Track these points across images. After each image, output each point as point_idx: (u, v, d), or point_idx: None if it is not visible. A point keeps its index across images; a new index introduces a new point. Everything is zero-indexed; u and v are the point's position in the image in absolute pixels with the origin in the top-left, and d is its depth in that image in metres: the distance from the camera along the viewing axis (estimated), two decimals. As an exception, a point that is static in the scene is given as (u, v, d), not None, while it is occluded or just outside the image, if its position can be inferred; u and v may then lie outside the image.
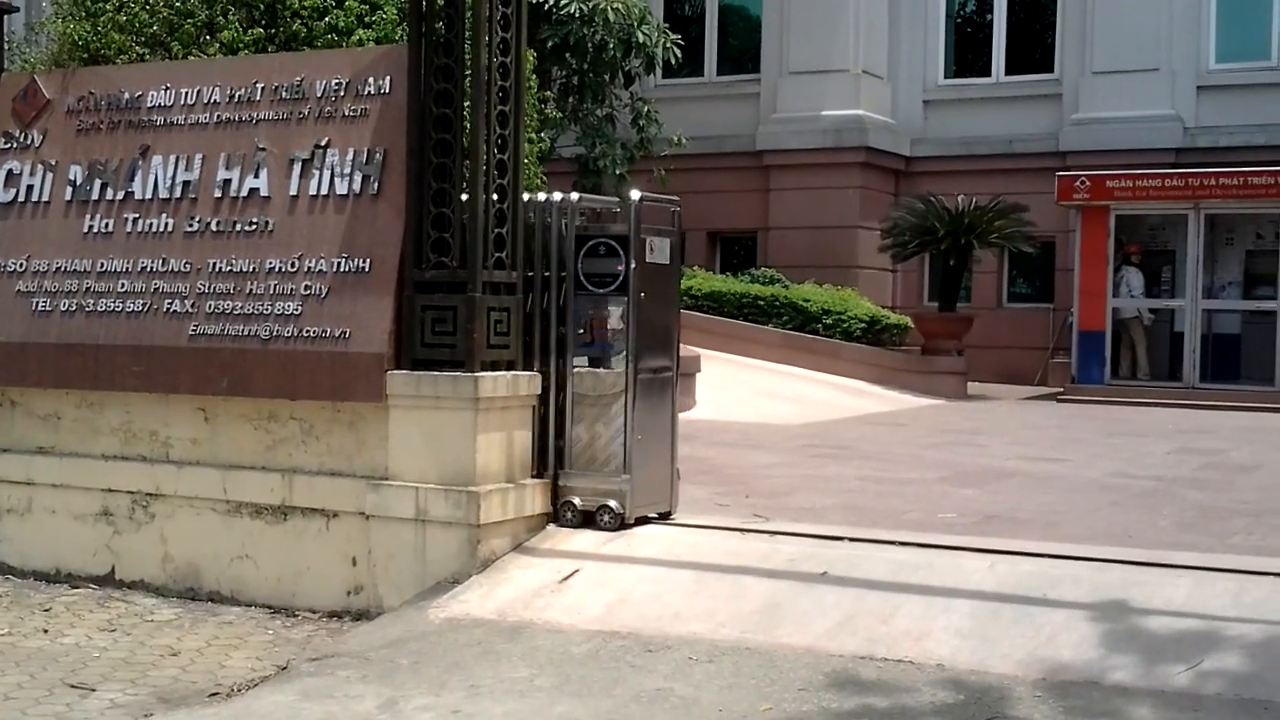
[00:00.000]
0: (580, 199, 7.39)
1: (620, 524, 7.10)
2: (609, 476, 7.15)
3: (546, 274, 7.28)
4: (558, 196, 7.37)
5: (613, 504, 7.12)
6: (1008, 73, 22.32)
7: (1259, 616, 5.74)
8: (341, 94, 7.34)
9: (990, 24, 22.52)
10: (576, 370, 7.20)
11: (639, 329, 7.12)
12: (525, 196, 7.31)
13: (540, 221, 7.29)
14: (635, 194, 7.21)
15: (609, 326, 7.12)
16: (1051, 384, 19.95)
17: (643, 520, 7.23)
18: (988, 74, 22.51)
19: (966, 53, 23.03)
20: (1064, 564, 6.50)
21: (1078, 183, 18.58)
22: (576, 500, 7.19)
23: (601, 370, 7.15)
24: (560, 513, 7.21)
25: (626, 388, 7.11)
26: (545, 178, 13.89)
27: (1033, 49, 22.37)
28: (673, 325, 7.50)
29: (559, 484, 7.26)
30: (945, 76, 22.76)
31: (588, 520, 7.16)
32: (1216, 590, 6.06)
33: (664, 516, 7.40)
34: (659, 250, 7.28)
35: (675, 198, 7.69)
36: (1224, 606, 5.86)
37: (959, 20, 23.20)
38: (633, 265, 7.07)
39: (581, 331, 7.17)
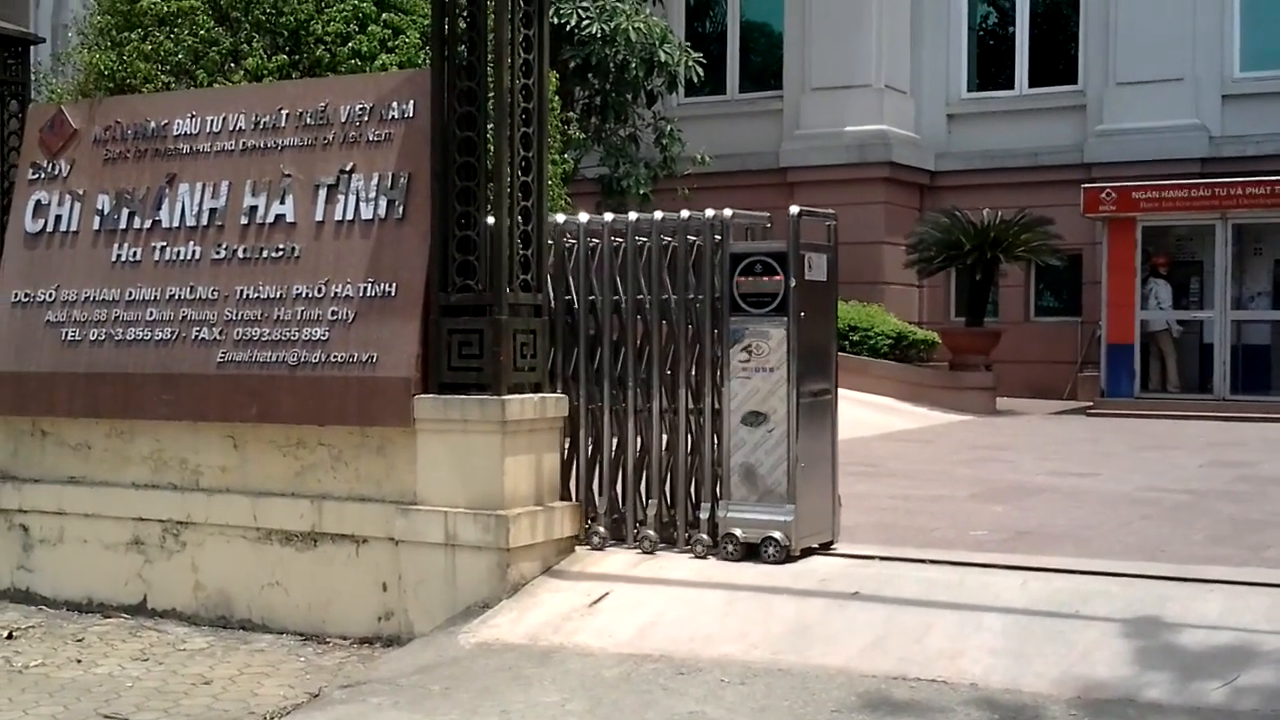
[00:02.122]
0: (734, 215, 7.14)
1: (785, 556, 6.80)
2: (772, 507, 6.86)
3: (692, 295, 7.11)
4: (709, 213, 7.15)
5: (777, 535, 6.81)
6: (1031, 85, 22.27)
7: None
8: (365, 119, 7.37)
9: (1013, 36, 22.48)
10: (735, 395, 6.93)
11: (800, 350, 6.84)
12: (685, 214, 7.21)
13: (682, 240, 7.13)
14: (795, 208, 6.96)
15: (768, 348, 6.85)
16: (1081, 398, 19.85)
17: (807, 551, 6.98)
18: (1011, 86, 22.45)
19: (989, 66, 22.98)
20: (1096, 580, 6.47)
21: (1104, 194, 18.50)
22: (738, 531, 6.89)
23: (760, 395, 6.88)
24: (722, 545, 6.93)
25: (788, 413, 6.83)
26: (569, 199, 13.92)
27: (1056, 61, 22.31)
28: (831, 345, 7.23)
29: (717, 514, 7.02)
30: (968, 90, 22.71)
31: (750, 553, 6.86)
32: (1251, 604, 6.02)
33: (825, 547, 7.12)
34: (817, 267, 7.01)
35: (832, 211, 7.39)
36: (1259, 621, 5.82)
37: (981, 33, 23.17)
38: (792, 283, 6.82)
39: (739, 354, 6.93)
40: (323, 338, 7.18)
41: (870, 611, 6.22)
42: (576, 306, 7.40)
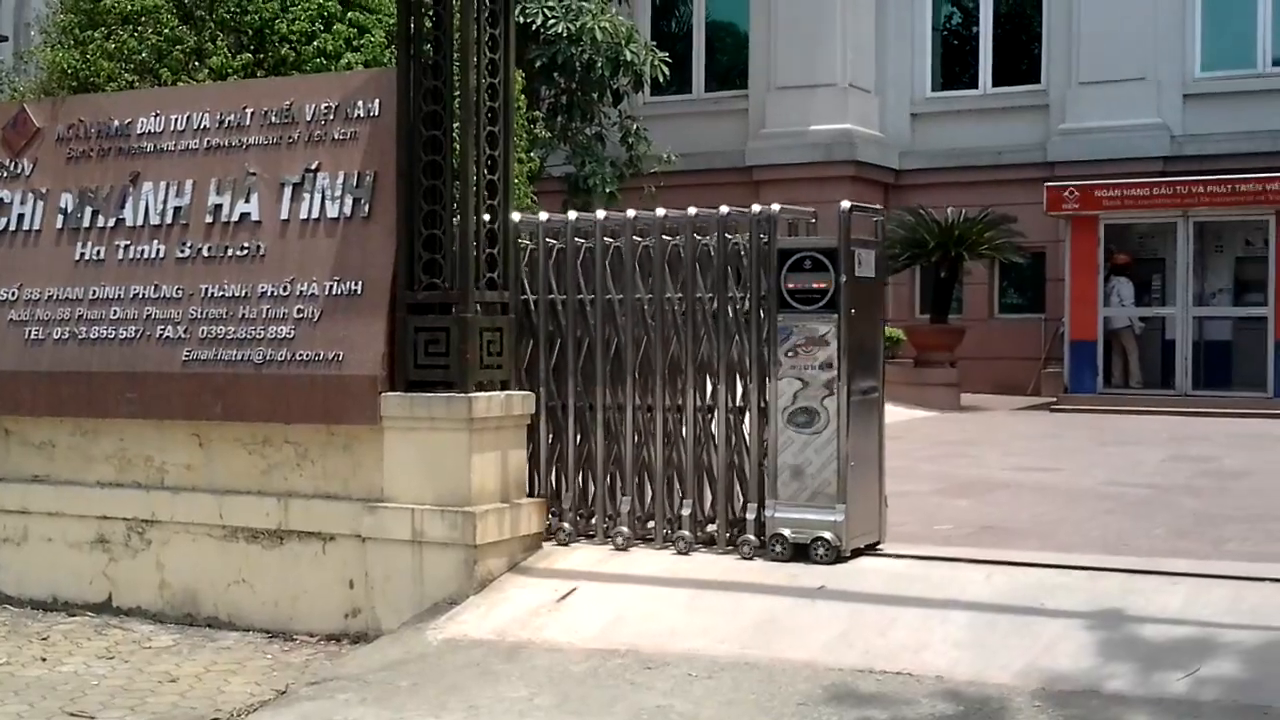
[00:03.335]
0: (781, 210, 7.02)
1: (836, 557, 6.69)
2: (821, 507, 6.74)
3: (730, 294, 6.99)
4: (756, 208, 7.04)
5: (828, 536, 6.69)
6: (995, 84, 22.37)
7: (1255, 622, 5.76)
8: (331, 118, 7.36)
9: (976, 36, 22.58)
10: (783, 394, 6.82)
11: (849, 348, 6.73)
12: (724, 210, 7.09)
13: (720, 237, 7.01)
14: (845, 203, 6.84)
15: (818, 345, 6.73)
16: (1045, 394, 19.94)
17: (856, 552, 6.85)
18: (975, 86, 22.55)
19: (953, 65, 23.07)
20: (1060, 573, 6.53)
21: (1067, 193, 18.61)
22: (786, 532, 6.78)
23: (810, 393, 6.76)
24: (770, 545, 6.82)
25: (838, 411, 6.71)
26: (535, 197, 13.91)
27: (1019, 60, 22.42)
28: (879, 343, 7.15)
29: (764, 515, 6.90)
30: (933, 89, 22.80)
31: (799, 553, 6.75)
32: (1212, 597, 6.08)
33: (871, 547, 7.00)
34: (866, 263, 6.90)
35: (879, 206, 7.17)
36: (1220, 613, 5.88)
37: (945, 33, 23.26)
38: (843, 279, 6.70)
39: (787, 352, 6.81)
40: (289, 336, 7.17)
41: (836, 607, 6.25)
42: (590, 307, 7.33)
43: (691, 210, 7.22)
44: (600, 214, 7.50)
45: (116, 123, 7.93)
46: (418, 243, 6.95)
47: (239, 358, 7.27)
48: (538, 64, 17.80)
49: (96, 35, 11.97)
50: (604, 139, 19.28)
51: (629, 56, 18.33)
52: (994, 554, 7.01)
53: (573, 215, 7.55)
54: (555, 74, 18.27)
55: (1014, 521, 8.46)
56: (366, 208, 7.16)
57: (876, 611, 6.16)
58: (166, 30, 11.78)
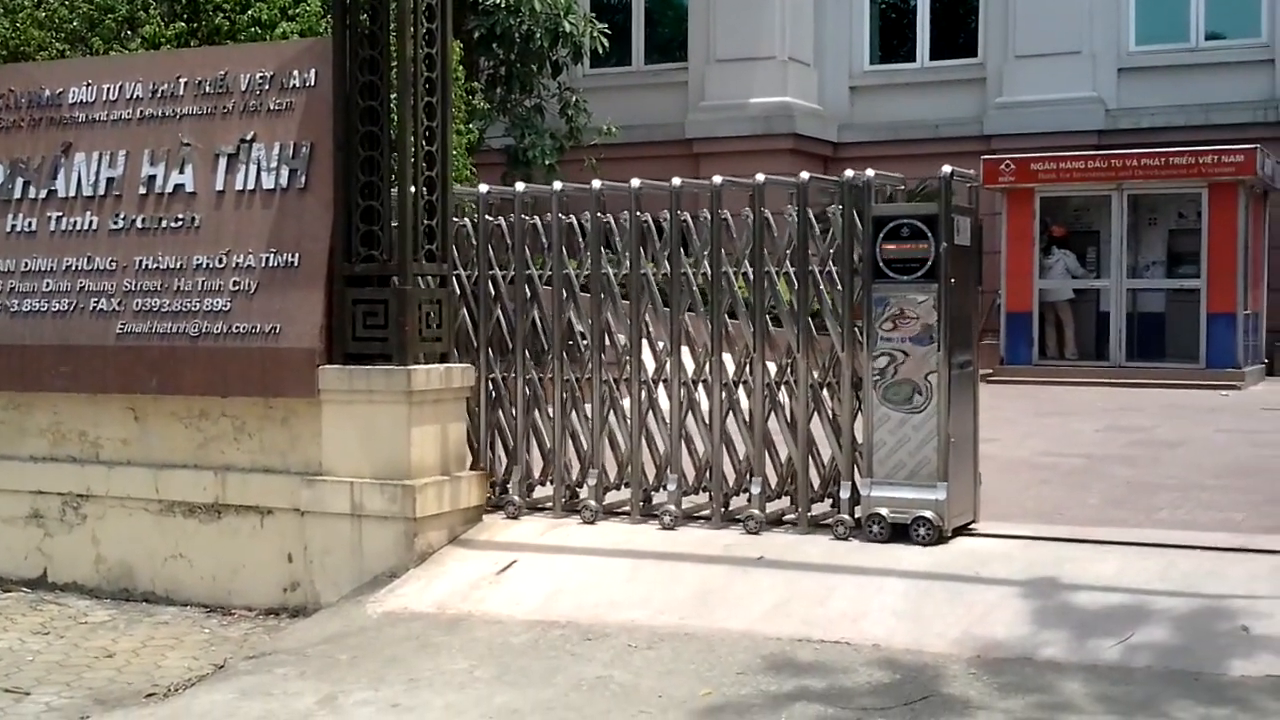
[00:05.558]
0: (876, 175, 6.82)
1: (938, 538, 6.45)
2: (921, 486, 6.50)
3: (813, 267, 6.82)
4: (849, 173, 6.81)
5: (929, 515, 6.44)
6: (932, 58, 22.44)
7: (1186, 590, 5.84)
8: (266, 88, 7.29)
9: (914, 9, 22.64)
10: (879, 367, 6.58)
11: (949, 319, 6.48)
12: (804, 176, 6.94)
13: (802, 205, 6.83)
14: (946, 168, 6.64)
15: (916, 316, 6.49)
16: (981, 365, 20.10)
17: (955, 532, 6.63)
18: (913, 59, 22.62)
19: (892, 38, 23.14)
20: (996, 542, 6.60)
21: (1003, 166, 18.72)
22: (884, 511, 6.52)
23: (909, 366, 6.50)
24: (867, 525, 6.57)
25: (939, 385, 6.47)
26: (474, 169, 13.84)
27: (956, 34, 22.51)
28: (975, 313, 6.93)
29: (859, 493, 6.67)
30: (871, 62, 22.86)
31: (898, 534, 6.51)
32: (1145, 565, 6.17)
33: (966, 527, 6.76)
34: (963, 231, 6.67)
35: (973, 172, 6.96)
36: (1152, 580, 5.97)
37: (883, 6, 23.30)
38: (943, 246, 6.45)
39: (884, 323, 6.55)
40: (225, 308, 7.11)
41: (774, 577, 6.29)
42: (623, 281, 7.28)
43: (760, 177, 7.06)
44: (677, 180, 7.28)
45: (48, 92, 7.82)
46: (355, 214, 6.91)
47: (174, 330, 7.21)
48: (476, 35, 17.69)
49: (27, 4, 11.80)
50: (543, 111, 19.19)
51: (568, 28, 18.24)
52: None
53: (636, 182, 7.40)
54: (494, 45, 18.16)
55: (951, 492, 8.51)
56: (303, 179, 7.10)
57: (814, 579, 6.20)
58: (98, -1, 11.63)
